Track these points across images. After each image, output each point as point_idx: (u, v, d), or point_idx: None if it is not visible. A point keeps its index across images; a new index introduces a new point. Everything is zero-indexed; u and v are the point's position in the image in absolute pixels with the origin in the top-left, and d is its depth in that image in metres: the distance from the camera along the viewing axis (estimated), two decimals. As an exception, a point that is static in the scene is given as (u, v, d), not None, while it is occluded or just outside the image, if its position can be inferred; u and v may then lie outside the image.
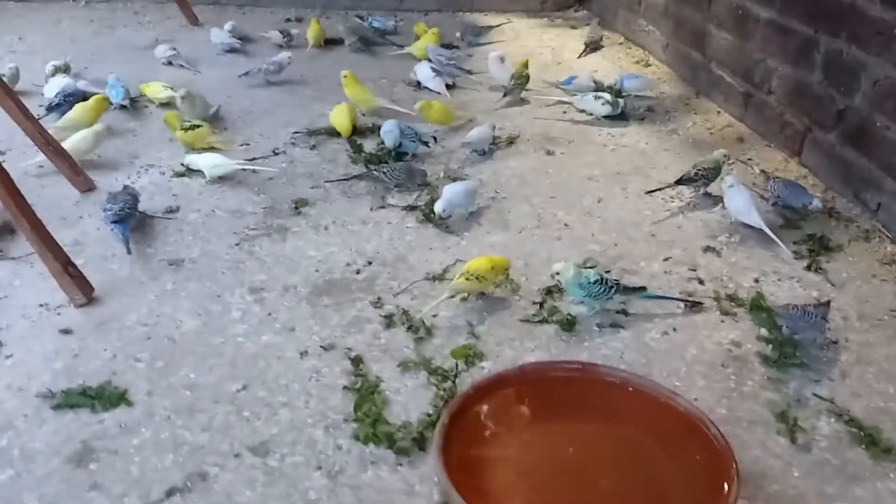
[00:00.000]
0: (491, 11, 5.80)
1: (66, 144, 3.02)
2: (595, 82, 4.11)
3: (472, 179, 3.09)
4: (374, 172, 3.02)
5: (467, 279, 2.30)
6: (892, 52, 2.70)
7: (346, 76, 3.70)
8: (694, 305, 2.36)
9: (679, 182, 3.02)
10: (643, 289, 2.35)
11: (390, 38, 4.97)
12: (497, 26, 5.39)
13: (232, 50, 4.64)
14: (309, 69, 4.41)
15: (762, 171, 3.13)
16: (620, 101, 3.83)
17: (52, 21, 5.04)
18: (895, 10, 2.68)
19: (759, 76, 3.57)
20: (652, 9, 4.74)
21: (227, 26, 4.81)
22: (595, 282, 2.24)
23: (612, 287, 2.25)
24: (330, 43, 4.89)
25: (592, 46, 4.91)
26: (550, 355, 2.15)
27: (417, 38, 4.91)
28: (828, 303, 2.27)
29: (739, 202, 2.78)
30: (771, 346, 2.17)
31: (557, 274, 2.32)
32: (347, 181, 3.08)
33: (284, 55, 4.22)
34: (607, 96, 3.78)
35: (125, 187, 2.78)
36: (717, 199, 2.98)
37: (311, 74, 4.29)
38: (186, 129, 3.27)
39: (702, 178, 3.00)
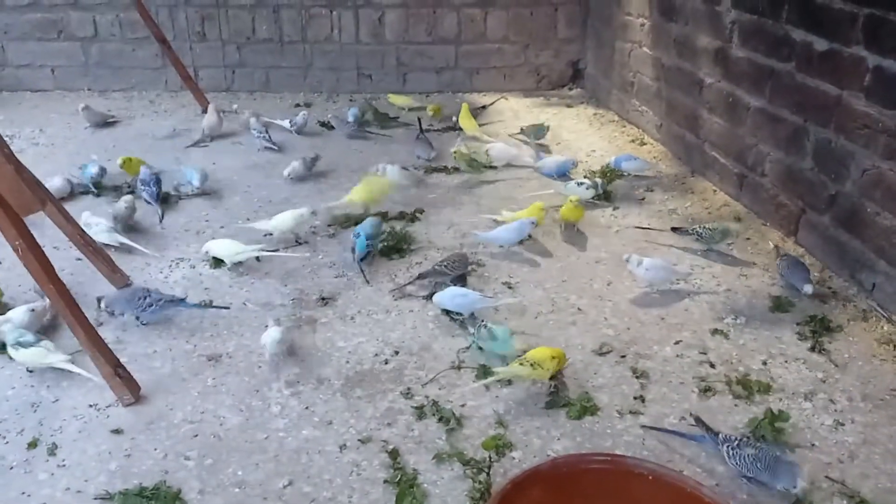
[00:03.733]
0: (489, 91, 6.06)
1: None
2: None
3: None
4: (437, 267, 3.11)
5: (521, 364, 2.45)
6: (878, 144, 2.91)
7: None
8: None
9: (673, 230, 3.52)
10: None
11: (402, 121, 5.20)
12: (491, 104, 5.63)
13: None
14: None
15: (776, 247, 3.37)
16: (598, 181, 4.03)
17: (69, 112, 5.22)
18: (879, 105, 2.90)
19: (752, 159, 3.77)
20: (644, 91, 4.98)
21: (254, 123, 4.73)
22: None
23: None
24: (323, 126, 5.07)
25: None
26: (576, 443, 2.28)
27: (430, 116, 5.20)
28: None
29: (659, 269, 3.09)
30: None
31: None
32: (413, 283, 3.15)
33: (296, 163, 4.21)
34: (587, 181, 3.98)
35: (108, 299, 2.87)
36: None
37: (322, 162, 4.39)
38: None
39: (695, 234, 3.39)
